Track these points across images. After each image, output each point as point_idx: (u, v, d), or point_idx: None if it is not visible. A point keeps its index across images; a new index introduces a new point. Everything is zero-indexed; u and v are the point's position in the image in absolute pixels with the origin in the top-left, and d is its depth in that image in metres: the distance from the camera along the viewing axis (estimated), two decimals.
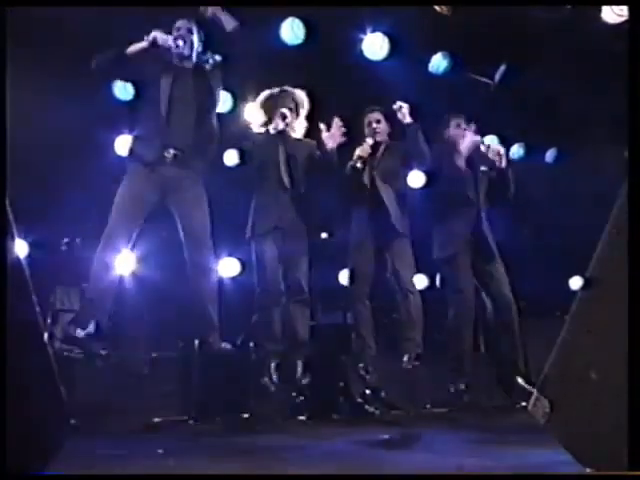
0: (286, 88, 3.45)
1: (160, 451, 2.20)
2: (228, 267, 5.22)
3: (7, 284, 1.31)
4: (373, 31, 4.03)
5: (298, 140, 3.46)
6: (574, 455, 1.49)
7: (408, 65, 4.18)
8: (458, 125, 3.88)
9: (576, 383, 1.53)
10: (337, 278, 4.49)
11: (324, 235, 3.54)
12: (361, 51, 4.08)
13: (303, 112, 3.44)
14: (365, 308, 3.61)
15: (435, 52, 4.22)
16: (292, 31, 3.88)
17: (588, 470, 1.44)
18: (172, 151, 2.94)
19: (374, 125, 3.77)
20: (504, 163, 3.72)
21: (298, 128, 3.46)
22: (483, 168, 3.84)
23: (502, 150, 3.75)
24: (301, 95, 3.43)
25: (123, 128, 4.48)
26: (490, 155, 3.73)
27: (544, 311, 4.44)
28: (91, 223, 4.86)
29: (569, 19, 3.60)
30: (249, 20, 3.66)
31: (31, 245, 4.17)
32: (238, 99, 4.54)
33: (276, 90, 3.44)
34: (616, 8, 3.46)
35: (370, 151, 3.65)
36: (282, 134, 3.39)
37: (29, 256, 4.03)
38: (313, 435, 2.90)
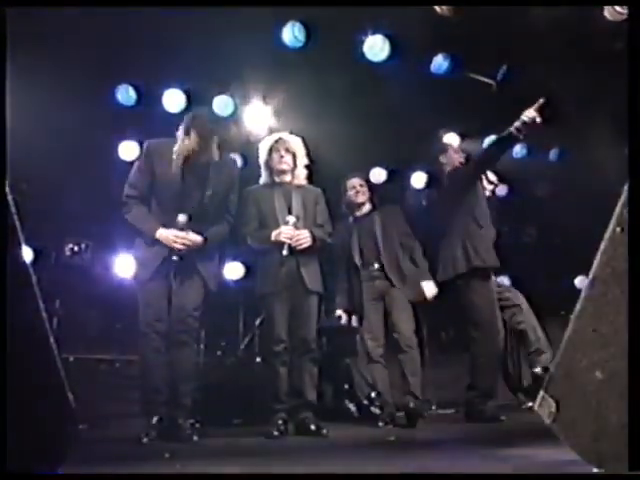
0: (281, 136, 3.33)
1: (167, 455, 2.21)
2: (233, 271, 5.30)
3: (13, 289, 1.31)
4: (374, 33, 4.04)
5: (300, 187, 3.31)
6: (580, 455, 1.48)
7: (409, 66, 4.19)
8: (455, 151, 3.81)
9: (582, 382, 1.52)
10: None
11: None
12: (362, 53, 4.09)
13: (300, 160, 3.30)
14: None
15: (436, 53, 4.23)
16: (293, 34, 3.90)
17: (595, 470, 1.44)
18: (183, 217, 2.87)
19: (358, 188, 3.71)
20: (489, 192, 3.77)
21: (298, 175, 3.31)
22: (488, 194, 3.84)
23: (496, 180, 3.81)
24: (296, 142, 3.30)
25: (126, 132, 4.55)
26: (484, 183, 3.73)
27: (549, 310, 4.44)
28: (95, 228, 4.91)
29: (569, 18, 3.60)
30: (251, 23, 3.68)
31: (36, 251, 4.20)
32: (239, 103, 4.57)
33: (273, 138, 3.32)
34: (617, 7, 3.46)
35: None
36: (284, 185, 3.27)
37: (35, 261, 4.08)
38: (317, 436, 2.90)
